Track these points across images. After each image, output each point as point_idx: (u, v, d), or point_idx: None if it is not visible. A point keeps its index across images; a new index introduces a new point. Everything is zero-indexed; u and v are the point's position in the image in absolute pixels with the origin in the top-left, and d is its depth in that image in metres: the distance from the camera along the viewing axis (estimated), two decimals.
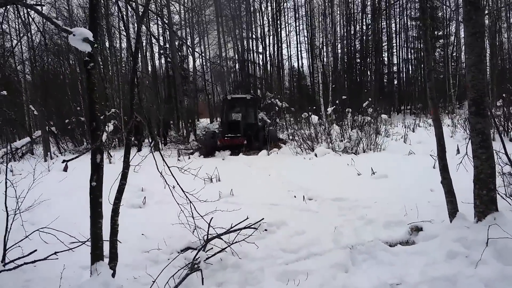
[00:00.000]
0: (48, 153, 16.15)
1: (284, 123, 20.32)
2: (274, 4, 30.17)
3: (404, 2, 32.67)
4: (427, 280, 3.37)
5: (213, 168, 9.47)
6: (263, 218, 4.82)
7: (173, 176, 4.02)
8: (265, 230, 4.90)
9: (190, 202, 4.46)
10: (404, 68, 36.58)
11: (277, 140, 15.32)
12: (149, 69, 31.17)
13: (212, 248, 4.24)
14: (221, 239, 4.30)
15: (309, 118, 13.77)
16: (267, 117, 23.16)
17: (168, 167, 4.01)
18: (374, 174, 8.34)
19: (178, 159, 13.37)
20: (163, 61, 31.28)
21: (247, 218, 4.60)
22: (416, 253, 3.97)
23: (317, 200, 6.97)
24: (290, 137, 14.80)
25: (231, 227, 4.50)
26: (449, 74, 29.23)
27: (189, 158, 14.01)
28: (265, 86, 29.15)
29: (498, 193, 5.06)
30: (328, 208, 6.32)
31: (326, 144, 12.31)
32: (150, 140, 18.55)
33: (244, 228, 4.62)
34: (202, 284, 3.58)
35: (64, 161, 3.13)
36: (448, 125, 16.36)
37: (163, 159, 4.04)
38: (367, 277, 3.59)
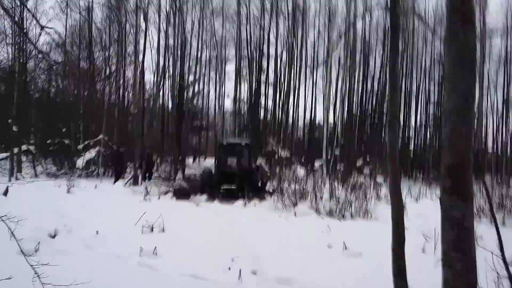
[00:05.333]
0: (16, 173, 14.91)
1: (280, 173, 18.74)
2: (290, 53, 29.52)
3: (424, 63, 31.50)
4: None
5: (177, 214, 8.91)
6: None
7: None
8: None
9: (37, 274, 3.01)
10: (421, 133, 34.84)
11: (263, 190, 13.69)
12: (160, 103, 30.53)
13: None
14: None
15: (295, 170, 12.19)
16: (266, 165, 21.64)
17: None
18: (346, 249, 6.67)
19: (145, 199, 11.87)
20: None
21: None
22: None
23: (259, 277, 5.39)
24: (271, 190, 13.15)
25: None
26: None
27: (158, 198, 12.51)
28: (272, 132, 27.86)
29: None
30: None
31: (310, 203, 10.66)
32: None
33: None
34: None
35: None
36: None
37: None
38: None
